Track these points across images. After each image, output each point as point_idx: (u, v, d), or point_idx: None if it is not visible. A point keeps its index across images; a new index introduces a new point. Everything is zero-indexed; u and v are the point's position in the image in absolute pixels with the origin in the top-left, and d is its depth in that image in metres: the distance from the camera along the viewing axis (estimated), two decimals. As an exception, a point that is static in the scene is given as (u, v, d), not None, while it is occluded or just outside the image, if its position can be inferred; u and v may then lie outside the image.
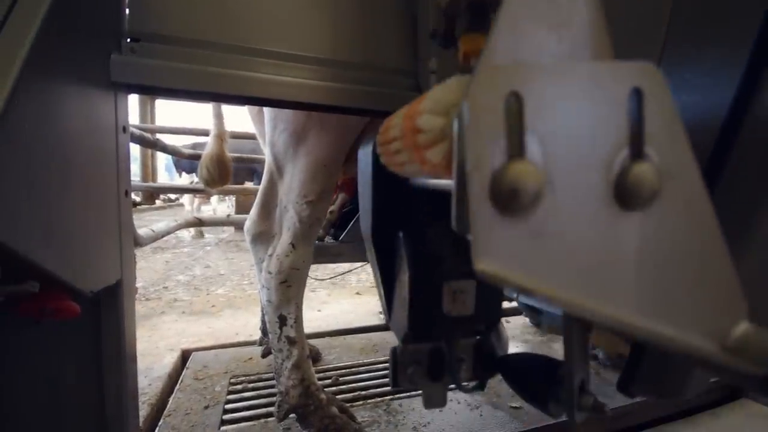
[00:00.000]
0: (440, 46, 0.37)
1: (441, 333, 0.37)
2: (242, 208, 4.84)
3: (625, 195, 0.17)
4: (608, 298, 0.17)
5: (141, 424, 1.02)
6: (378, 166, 0.35)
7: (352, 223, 1.15)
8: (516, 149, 0.16)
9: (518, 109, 0.16)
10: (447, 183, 0.25)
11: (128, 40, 0.55)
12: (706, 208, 0.18)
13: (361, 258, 1.20)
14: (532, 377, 0.37)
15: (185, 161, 4.04)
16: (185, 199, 5.37)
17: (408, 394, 1.22)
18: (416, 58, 0.69)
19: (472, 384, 0.39)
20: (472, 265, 0.17)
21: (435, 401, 0.39)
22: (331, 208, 1.17)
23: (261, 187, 1.27)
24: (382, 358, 1.46)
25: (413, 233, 0.36)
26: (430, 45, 0.64)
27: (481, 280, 0.17)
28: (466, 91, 0.16)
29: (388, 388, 1.25)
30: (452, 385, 0.39)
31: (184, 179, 5.05)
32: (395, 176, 0.33)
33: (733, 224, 0.21)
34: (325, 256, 1.15)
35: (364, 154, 0.41)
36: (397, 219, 0.37)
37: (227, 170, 1.59)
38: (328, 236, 1.20)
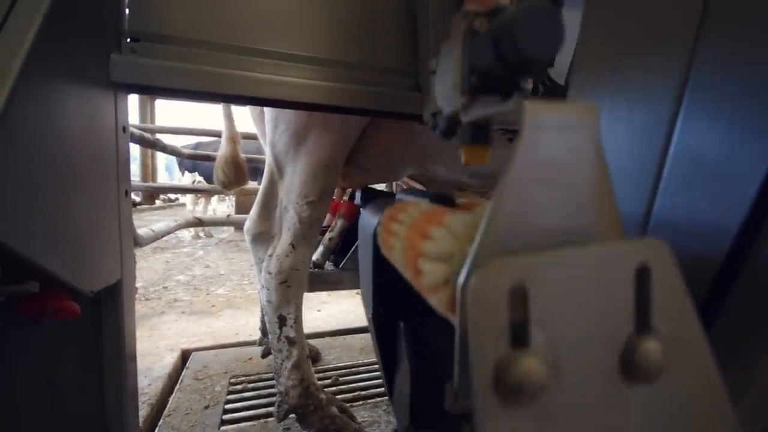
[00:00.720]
0: (440, 136, 0.36)
1: (442, 428, 0.35)
2: (242, 208, 4.84)
3: (632, 370, 0.17)
4: None
5: (141, 424, 1.02)
6: (378, 253, 0.34)
7: (352, 250, 1.12)
8: (520, 340, 0.16)
9: (522, 300, 0.16)
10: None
11: (128, 39, 0.55)
12: (712, 375, 0.18)
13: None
14: None
15: (188, 160, 4.05)
16: (187, 198, 5.35)
17: (408, 394, 1.22)
18: (416, 58, 0.69)
19: None
20: None
21: None
22: (330, 234, 1.15)
23: (261, 187, 1.27)
24: (382, 358, 1.46)
25: (414, 326, 0.35)
26: (430, 45, 0.64)
27: None
28: (473, 286, 0.16)
29: (388, 388, 1.25)
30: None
31: (187, 178, 5.03)
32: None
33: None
34: (323, 284, 1.12)
35: (366, 232, 0.40)
36: (397, 305, 0.36)
37: (243, 172, 1.61)
38: (328, 262, 1.18)
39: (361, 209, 0.43)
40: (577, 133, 0.19)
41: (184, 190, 3.61)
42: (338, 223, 1.17)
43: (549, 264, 0.17)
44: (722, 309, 0.25)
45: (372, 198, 1.18)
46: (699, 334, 0.18)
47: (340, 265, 1.13)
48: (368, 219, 0.40)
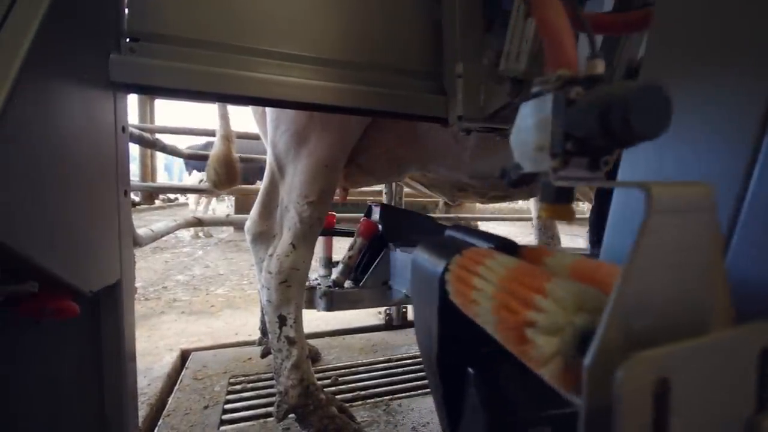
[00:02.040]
0: (508, 185, 0.37)
1: None
2: (242, 207, 4.84)
3: None
4: None
5: (140, 424, 1.02)
6: (445, 298, 0.35)
7: (373, 267, 1.12)
8: (662, 428, 0.17)
9: (665, 392, 0.17)
10: None
11: (127, 39, 0.55)
12: None
13: (381, 304, 1.18)
14: None
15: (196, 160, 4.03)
16: (191, 198, 5.33)
17: (407, 394, 1.22)
18: (440, 61, 0.69)
19: None
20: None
21: None
22: (350, 253, 1.15)
23: (262, 187, 1.27)
24: (382, 358, 1.46)
25: (485, 372, 0.35)
26: (456, 49, 0.64)
27: None
28: (620, 380, 0.17)
29: (388, 388, 1.25)
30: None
31: (194, 177, 5.02)
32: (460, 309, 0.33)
33: None
34: (344, 302, 1.11)
35: (425, 271, 0.39)
36: (463, 349, 0.36)
37: (235, 171, 1.59)
38: (348, 280, 1.17)
39: (419, 247, 0.43)
40: (696, 216, 0.19)
41: (183, 190, 3.60)
42: (357, 242, 1.17)
43: (690, 355, 0.18)
44: None
45: (391, 216, 1.20)
46: None
47: (361, 284, 1.13)
48: (427, 260, 0.39)
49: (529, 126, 0.30)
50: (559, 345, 0.21)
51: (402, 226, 1.17)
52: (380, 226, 1.19)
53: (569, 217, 0.30)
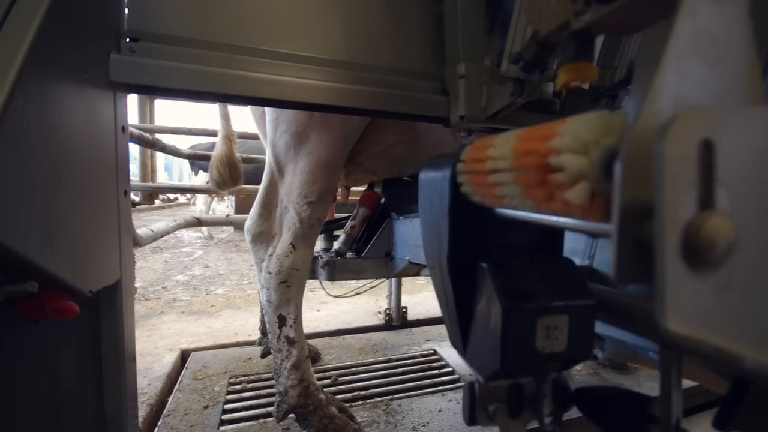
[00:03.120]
0: (522, 70, 0.36)
1: (531, 370, 0.35)
2: (241, 207, 4.84)
3: None
4: None
5: (140, 424, 1.02)
6: (456, 194, 0.34)
7: (375, 237, 1.12)
8: (707, 200, 0.16)
9: (710, 157, 0.16)
10: (545, 217, 0.26)
11: (127, 39, 0.55)
12: None
13: (385, 274, 1.17)
14: (617, 413, 0.36)
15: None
16: (199, 199, 5.36)
17: (407, 394, 1.22)
18: (442, 62, 0.70)
19: (549, 420, 0.37)
20: (659, 324, 0.16)
21: None
22: (352, 223, 1.15)
23: (261, 187, 1.27)
24: (381, 358, 1.46)
25: (499, 265, 0.34)
26: (458, 50, 0.64)
27: (670, 342, 0.16)
28: (659, 136, 0.15)
29: (388, 388, 1.25)
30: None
31: (200, 177, 5.04)
32: (473, 204, 0.32)
33: None
34: (347, 272, 1.11)
35: (432, 179, 0.39)
36: (475, 249, 0.36)
37: (238, 171, 1.61)
38: (349, 251, 1.17)
39: (425, 166, 0.42)
40: (729, 6, 0.18)
41: (183, 190, 3.60)
42: (360, 211, 1.16)
43: (736, 119, 0.16)
44: None
45: (393, 187, 1.18)
46: None
47: (363, 254, 1.12)
48: (434, 168, 0.39)
49: None
50: (587, 165, 0.19)
51: (404, 196, 1.17)
52: (382, 198, 1.18)
53: (593, 75, 0.29)
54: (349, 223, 1.16)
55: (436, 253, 0.39)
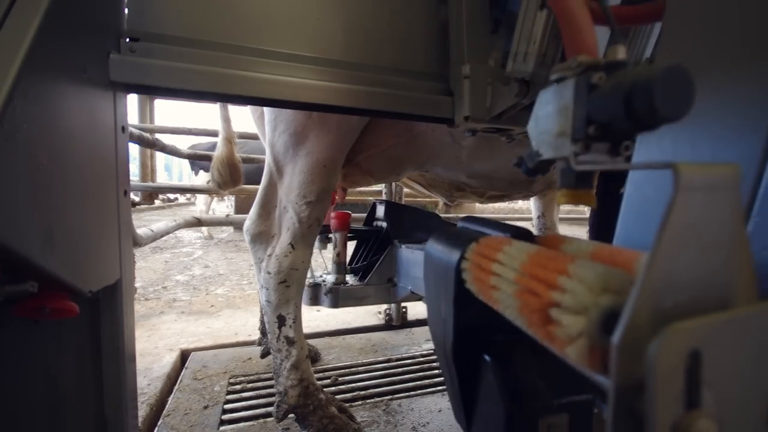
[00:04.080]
0: (523, 173, 0.37)
1: None
2: (241, 207, 4.84)
3: None
4: None
5: (140, 424, 1.02)
6: (461, 287, 0.35)
7: (378, 264, 1.13)
8: (694, 401, 0.17)
9: (697, 365, 0.17)
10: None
11: (127, 39, 0.55)
12: None
13: (387, 300, 1.19)
14: None
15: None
16: (200, 199, 5.37)
17: (407, 394, 1.22)
18: (447, 62, 0.70)
19: None
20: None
21: None
22: (336, 251, 1.16)
23: (260, 188, 1.27)
24: (381, 358, 1.46)
25: (502, 359, 0.35)
26: (463, 51, 0.65)
27: None
28: (653, 352, 0.17)
29: (388, 388, 1.25)
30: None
31: (201, 177, 5.05)
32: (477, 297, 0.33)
33: None
34: (350, 299, 1.12)
35: (439, 262, 0.39)
36: (477, 338, 0.37)
37: (238, 172, 1.66)
38: (349, 276, 1.19)
39: (432, 239, 0.43)
40: (721, 194, 0.20)
41: (183, 190, 3.60)
42: (337, 237, 1.17)
43: (721, 327, 0.18)
44: None
45: (396, 213, 1.19)
46: None
47: (366, 280, 1.13)
48: (441, 250, 0.39)
49: (550, 113, 0.30)
50: (585, 324, 0.21)
51: (406, 223, 1.17)
52: (385, 223, 1.19)
53: (591, 202, 0.31)
54: (334, 252, 1.17)
55: (441, 336, 0.40)
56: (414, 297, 1.10)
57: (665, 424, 0.17)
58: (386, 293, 1.15)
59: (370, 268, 1.14)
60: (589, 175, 0.30)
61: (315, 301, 1.13)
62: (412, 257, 1.02)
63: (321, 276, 1.19)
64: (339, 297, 1.11)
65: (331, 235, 1.17)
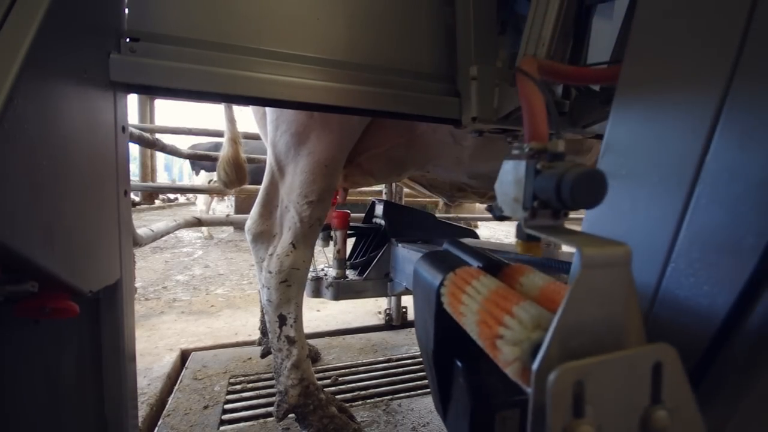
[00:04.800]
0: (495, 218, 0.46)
1: None
2: (242, 207, 4.84)
3: (648, 429, 0.27)
4: None
5: (140, 424, 1.02)
6: (440, 306, 0.44)
7: (376, 260, 1.21)
8: (579, 412, 0.25)
9: (581, 389, 0.25)
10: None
11: (127, 39, 0.55)
12: (699, 428, 0.28)
13: (384, 294, 1.26)
14: None
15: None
16: (200, 199, 5.38)
17: (407, 394, 1.22)
18: (454, 63, 0.70)
19: None
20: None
21: None
22: (336, 247, 1.24)
23: (262, 187, 1.27)
24: (381, 358, 1.46)
25: (470, 365, 0.45)
26: (471, 53, 0.65)
27: None
28: (551, 381, 0.25)
29: (388, 388, 1.25)
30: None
31: (201, 177, 5.05)
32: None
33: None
34: (349, 292, 1.21)
35: (424, 282, 0.48)
36: (453, 347, 0.46)
37: (243, 172, 1.72)
38: (349, 271, 1.26)
39: (420, 260, 0.52)
40: (616, 270, 0.27)
41: (183, 190, 3.60)
42: (337, 235, 1.24)
43: (598, 366, 0.26)
44: (707, 377, 0.36)
45: (394, 212, 1.26)
46: (693, 404, 0.28)
47: (364, 276, 1.21)
48: (427, 272, 0.49)
49: (509, 181, 0.39)
50: (519, 353, 0.29)
51: (404, 222, 1.25)
52: (383, 222, 1.27)
53: (538, 253, 0.39)
54: (334, 249, 1.24)
55: (425, 342, 0.50)
56: (409, 292, 1.18)
57: (558, 428, 0.25)
58: (383, 287, 1.24)
59: (369, 263, 1.22)
60: (538, 238, 0.38)
61: (317, 293, 1.21)
62: (407, 255, 1.10)
63: (323, 270, 1.26)
64: (339, 290, 1.20)
65: (332, 233, 1.25)
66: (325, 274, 1.23)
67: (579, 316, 0.27)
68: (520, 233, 0.39)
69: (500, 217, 0.43)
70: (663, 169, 0.40)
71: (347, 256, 1.27)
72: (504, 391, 0.43)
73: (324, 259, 1.32)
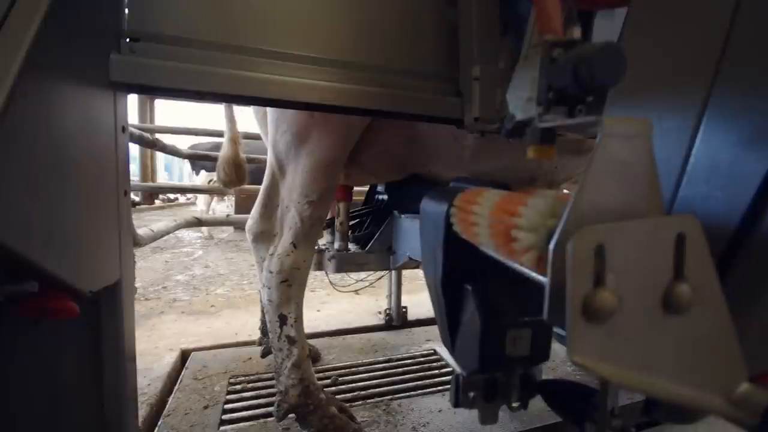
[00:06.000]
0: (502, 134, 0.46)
1: (502, 368, 0.46)
2: (242, 207, 4.84)
3: (670, 304, 0.26)
4: (658, 376, 0.25)
5: (140, 424, 1.02)
6: (449, 231, 0.44)
7: (378, 233, 1.22)
8: (600, 280, 0.24)
9: (602, 254, 0.24)
10: (507, 261, 0.35)
11: (127, 39, 0.55)
12: (725, 313, 0.26)
13: (386, 267, 1.27)
14: (570, 401, 0.46)
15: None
16: (200, 199, 5.38)
17: (407, 394, 1.22)
18: (456, 64, 0.70)
19: (517, 404, 0.48)
20: (568, 356, 0.24)
21: (488, 419, 0.49)
22: (339, 220, 1.24)
23: (263, 187, 1.28)
24: (381, 358, 1.46)
25: (480, 287, 0.45)
26: (473, 53, 0.66)
27: (576, 365, 0.24)
28: (571, 245, 0.24)
29: (388, 388, 1.25)
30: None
31: (201, 177, 5.04)
32: (462, 239, 0.41)
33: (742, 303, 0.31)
34: (351, 264, 1.21)
35: (432, 213, 0.49)
36: (462, 272, 0.46)
37: (243, 171, 1.74)
38: (351, 244, 1.27)
39: (426, 197, 0.52)
40: (637, 141, 0.26)
41: (183, 190, 3.61)
42: (340, 207, 1.24)
43: (621, 231, 0.25)
44: (732, 268, 0.34)
45: (395, 185, 1.25)
46: (716, 283, 0.26)
47: (367, 248, 1.22)
48: (433, 204, 0.49)
49: (522, 83, 0.38)
50: (535, 240, 0.28)
51: (405, 196, 1.25)
52: (385, 196, 1.29)
53: (552, 156, 0.38)
54: (337, 221, 1.24)
55: (432, 273, 0.50)
56: (411, 264, 1.20)
57: (579, 296, 0.24)
58: (386, 260, 1.25)
59: (371, 237, 1.23)
60: (552, 134, 0.37)
61: (319, 266, 1.23)
62: (410, 225, 1.11)
63: (324, 244, 1.27)
64: (342, 262, 1.21)
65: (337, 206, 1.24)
66: (327, 248, 1.23)
67: (599, 189, 0.25)
68: (533, 136, 0.37)
69: (511, 131, 0.42)
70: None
71: (349, 230, 1.27)
72: (515, 311, 0.43)
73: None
